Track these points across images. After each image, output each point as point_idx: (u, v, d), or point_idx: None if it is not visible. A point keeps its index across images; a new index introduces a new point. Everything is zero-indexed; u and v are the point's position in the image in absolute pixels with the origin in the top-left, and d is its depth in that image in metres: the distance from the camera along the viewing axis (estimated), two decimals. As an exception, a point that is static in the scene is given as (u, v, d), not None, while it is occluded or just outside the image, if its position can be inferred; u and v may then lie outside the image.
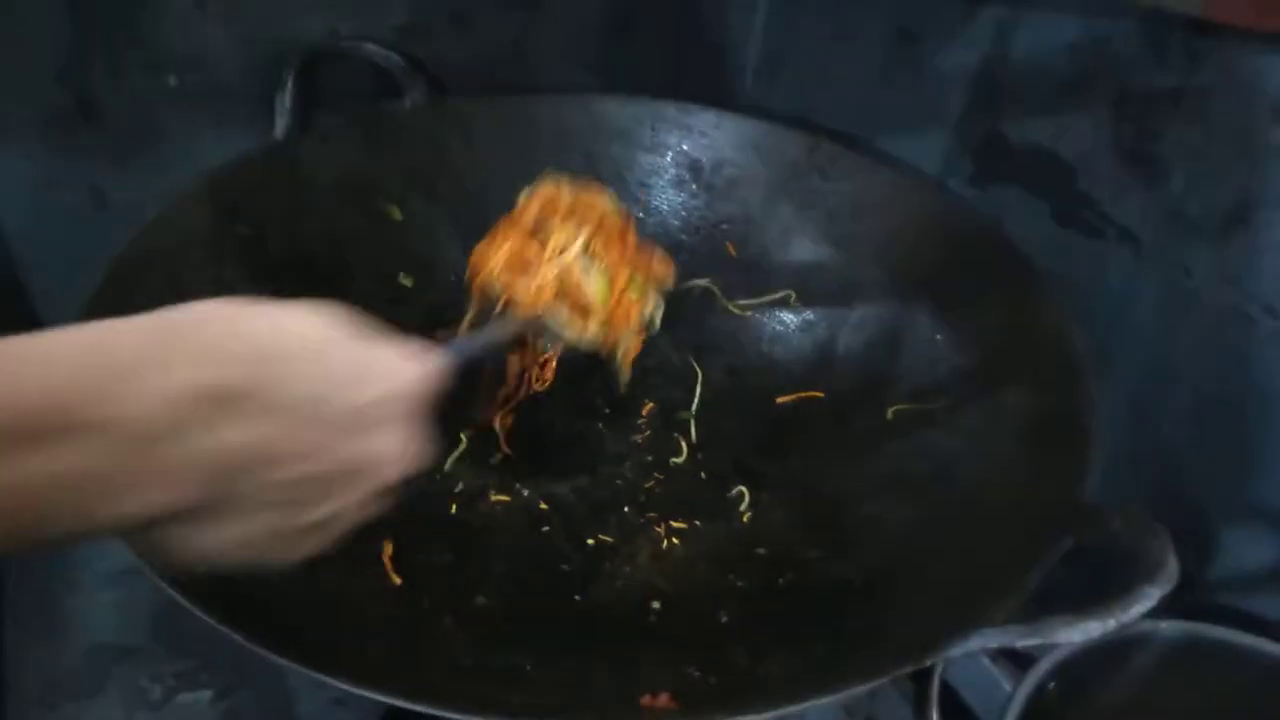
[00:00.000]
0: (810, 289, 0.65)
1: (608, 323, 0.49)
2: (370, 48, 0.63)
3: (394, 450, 0.32)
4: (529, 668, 0.44)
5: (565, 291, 0.48)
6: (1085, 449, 0.45)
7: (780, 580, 0.51)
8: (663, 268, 0.53)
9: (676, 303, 0.68)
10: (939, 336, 0.58)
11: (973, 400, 0.54)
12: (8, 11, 0.54)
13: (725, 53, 0.79)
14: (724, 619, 0.49)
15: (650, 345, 0.67)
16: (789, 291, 0.66)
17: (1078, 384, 0.48)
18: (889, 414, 0.58)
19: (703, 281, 0.68)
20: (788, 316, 0.66)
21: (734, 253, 0.68)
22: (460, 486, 0.57)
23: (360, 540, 0.49)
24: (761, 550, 0.54)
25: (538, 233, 0.49)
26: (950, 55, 0.63)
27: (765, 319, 0.66)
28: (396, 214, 0.63)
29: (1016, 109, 0.60)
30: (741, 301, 0.67)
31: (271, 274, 0.56)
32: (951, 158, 0.65)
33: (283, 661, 0.34)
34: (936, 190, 0.64)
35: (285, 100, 0.60)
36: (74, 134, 0.59)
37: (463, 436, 0.59)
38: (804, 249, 0.66)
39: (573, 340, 0.49)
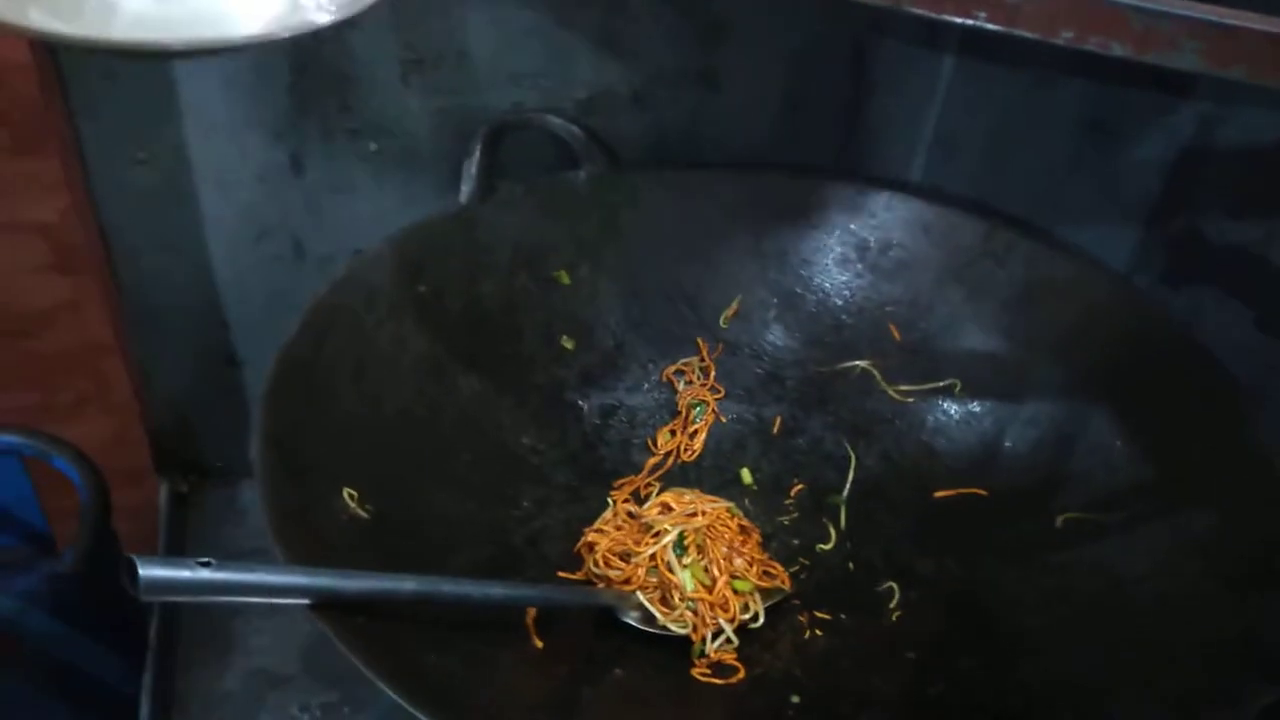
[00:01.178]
0: (977, 380, 0.63)
1: (698, 612, 0.51)
2: (553, 120, 0.66)
3: None
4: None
5: (659, 578, 0.52)
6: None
7: (929, 690, 0.49)
8: (778, 576, 0.56)
9: (834, 383, 0.68)
10: (1118, 444, 0.55)
11: (1155, 519, 0.50)
12: (237, 82, 0.60)
13: (899, 132, 0.78)
14: (866, 725, 0.47)
15: (803, 424, 0.66)
16: (954, 380, 0.63)
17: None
18: (1058, 521, 0.54)
19: (863, 363, 0.66)
20: (951, 407, 0.63)
21: (898, 336, 0.66)
22: (601, 552, 0.57)
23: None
24: (911, 654, 0.51)
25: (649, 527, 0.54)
26: (1145, 147, 0.59)
27: (927, 407, 0.64)
28: (565, 279, 0.65)
29: (1218, 207, 0.56)
30: (903, 387, 0.65)
31: (446, 331, 0.59)
32: (1141, 253, 0.62)
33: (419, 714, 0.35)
34: (1123, 286, 0.60)
35: (472, 167, 0.63)
36: (284, 190, 0.64)
37: (610, 501, 0.60)
38: (973, 338, 0.64)
39: (661, 621, 0.51)
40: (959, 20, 0.44)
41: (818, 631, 0.54)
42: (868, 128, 0.78)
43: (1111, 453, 0.55)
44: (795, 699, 0.49)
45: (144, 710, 0.55)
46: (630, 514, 0.57)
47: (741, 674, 0.50)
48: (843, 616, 0.54)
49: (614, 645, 0.50)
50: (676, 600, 0.51)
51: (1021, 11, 0.42)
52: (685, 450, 0.65)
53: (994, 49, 0.72)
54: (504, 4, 0.63)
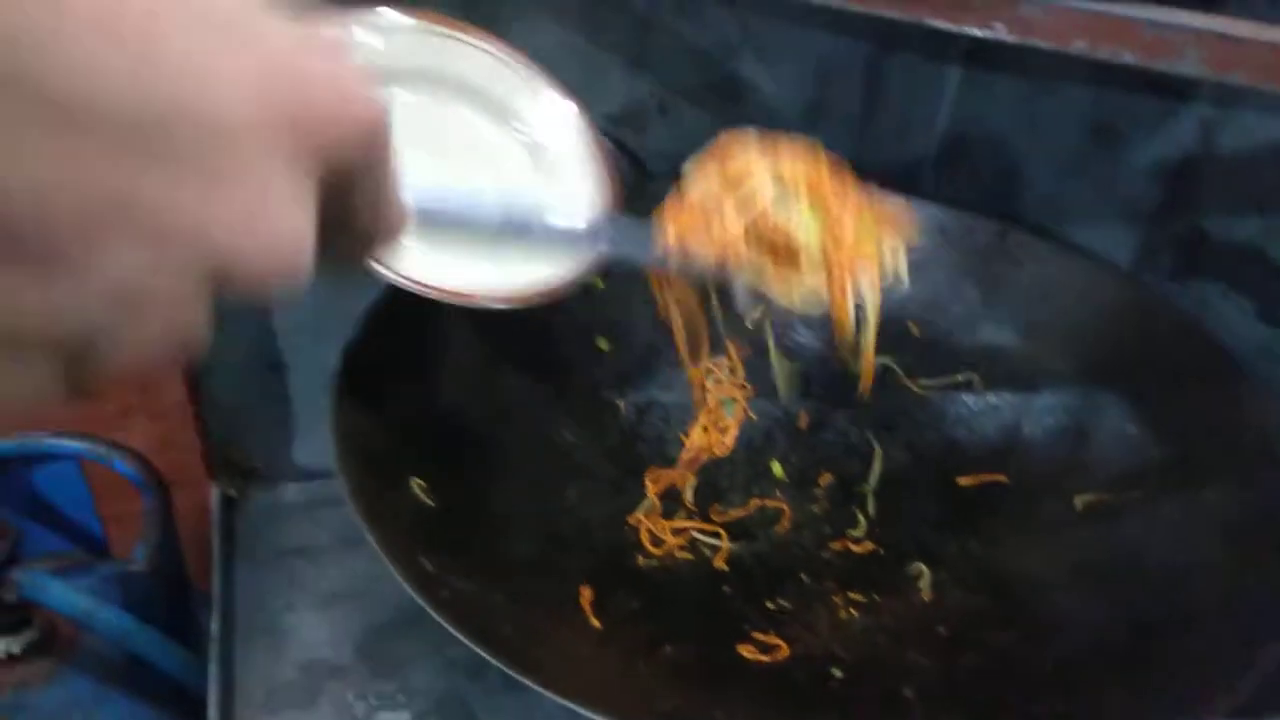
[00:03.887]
0: (995, 373, 0.66)
1: (830, 274, 0.38)
2: (585, 132, 0.70)
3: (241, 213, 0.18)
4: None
5: (763, 240, 0.38)
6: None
7: (963, 661, 0.52)
8: (898, 213, 0.42)
9: (857, 380, 0.71)
10: (1132, 429, 0.58)
11: (1169, 495, 0.53)
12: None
13: (909, 138, 0.82)
14: (908, 693, 0.50)
15: (829, 419, 0.69)
16: (972, 374, 0.67)
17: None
18: (1077, 503, 0.57)
19: (885, 359, 0.70)
20: (970, 399, 0.66)
21: (917, 332, 0.70)
22: (646, 540, 0.60)
23: (563, 584, 0.53)
24: (942, 629, 0.54)
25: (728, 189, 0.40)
26: (1149, 149, 0.63)
27: (947, 400, 0.67)
28: (599, 283, 0.68)
29: (1220, 206, 0.60)
30: (923, 381, 0.68)
31: (490, 331, 0.62)
32: (1147, 252, 0.65)
33: (521, 676, 0.37)
34: (1131, 282, 0.64)
35: (509, 178, 0.67)
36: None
37: (649, 494, 0.63)
38: (989, 333, 0.67)
39: (784, 299, 0.39)
40: (978, 32, 0.47)
41: (853, 611, 0.56)
42: (880, 135, 0.81)
43: (1125, 438, 0.58)
44: (837, 673, 0.52)
45: (211, 699, 0.58)
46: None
47: (785, 651, 0.53)
48: (876, 597, 0.57)
49: (664, 624, 0.53)
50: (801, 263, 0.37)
51: (1037, 23, 0.46)
52: (717, 445, 0.68)
53: (999, 58, 0.75)
54: (538, 21, 0.67)
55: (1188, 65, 0.43)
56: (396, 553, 0.39)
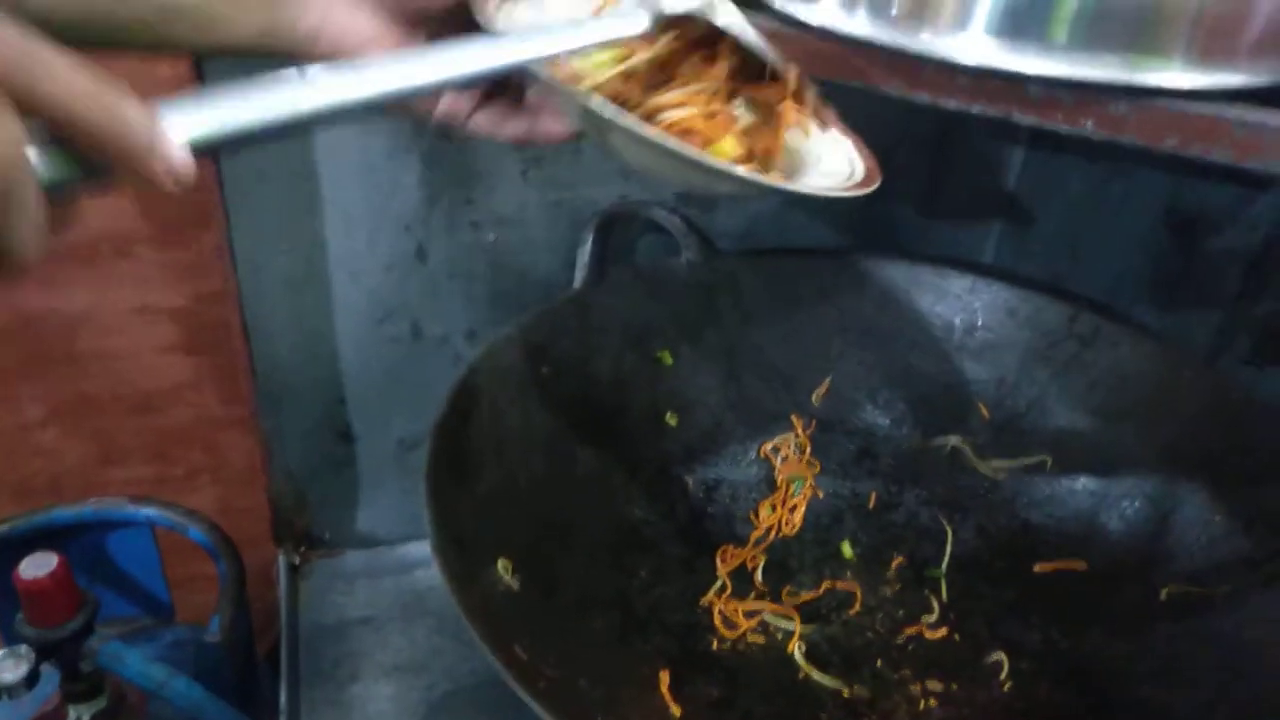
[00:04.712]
0: (1069, 457, 0.65)
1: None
2: (655, 210, 0.71)
3: None
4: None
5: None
6: None
7: (1051, 758, 0.51)
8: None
9: (926, 459, 0.70)
10: (1217, 518, 0.57)
11: (1261, 590, 0.52)
12: (373, 179, 0.65)
13: (974, 216, 0.83)
14: (996, 791, 0.49)
15: (898, 499, 0.69)
16: (1045, 457, 0.66)
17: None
18: (1162, 594, 0.56)
19: (954, 439, 0.69)
20: (1044, 482, 0.66)
21: (986, 414, 0.69)
22: (719, 622, 0.60)
23: (641, 667, 0.53)
24: (1026, 723, 0.53)
25: None
26: (1226, 235, 0.63)
27: (1019, 483, 0.67)
28: (668, 359, 0.69)
29: (1301, 293, 0.60)
30: (994, 463, 0.68)
31: (565, 408, 0.62)
32: (1224, 336, 0.65)
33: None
34: (1206, 367, 0.63)
35: (584, 255, 0.68)
36: (408, 277, 0.69)
37: (721, 574, 0.62)
38: (1061, 416, 0.67)
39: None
40: (1067, 129, 0.48)
41: (932, 702, 0.55)
42: (944, 213, 0.82)
43: (1210, 527, 0.57)
44: (919, 766, 0.51)
45: (280, 772, 0.58)
46: None
47: (866, 742, 0.52)
48: (954, 687, 0.56)
49: (743, 712, 0.53)
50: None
51: (1129, 121, 0.46)
52: (785, 524, 0.68)
53: (1064, 142, 0.76)
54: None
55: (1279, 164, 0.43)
56: (496, 645, 0.39)
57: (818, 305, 0.73)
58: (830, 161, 0.46)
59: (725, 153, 0.40)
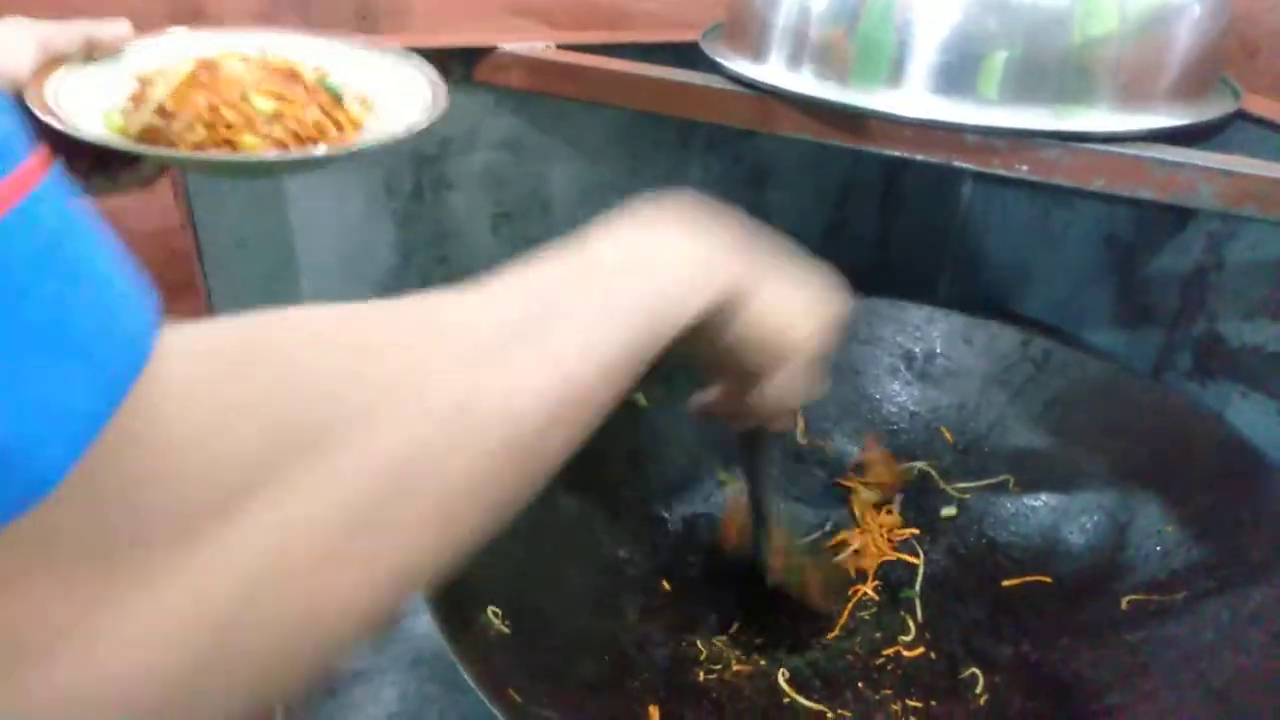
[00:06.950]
0: (1029, 475, 0.68)
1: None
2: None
3: None
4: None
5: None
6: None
7: (1028, 767, 0.53)
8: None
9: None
10: (1169, 528, 0.60)
11: (1215, 594, 0.55)
12: (348, 240, 0.67)
13: (927, 250, 0.86)
14: (977, 803, 0.51)
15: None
16: (1008, 476, 0.69)
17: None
18: (1123, 604, 0.59)
19: (920, 464, 0.72)
20: (1007, 501, 0.69)
21: (950, 438, 0.72)
22: (704, 655, 0.61)
23: (631, 705, 0.54)
24: (1003, 735, 0.56)
25: None
26: (1161, 260, 0.67)
27: (984, 503, 0.69)
28: (643, 402, 0.72)
29: (1233, 313, 0.63)
30: (959, 485, 0.71)
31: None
32: (1165, 354, 0.69)
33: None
34: (1154, 384, 0.67)
35: (557, 305, 0.71)
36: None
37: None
38: (1021, 436, 0.70)
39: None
40: (1003, 172, 0.51)
41: (913, 719, 0.58)
42: (897, 249, 0.86)
43: (1164, 537, 0.60)
44: (903, 783, 0.53)
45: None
46: None
47: (851, 763, 0.54)
48: (933, 703, 0.59)
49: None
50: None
51: (1060, 165, 0.50)
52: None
53: (1006, 178, 0.80)
54: (581, 161, 0.71)
55: (1202, 200, 0.47)
56: (491, 691, 0.41)
57: (783, 341, 0.76)
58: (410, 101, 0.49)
59: (251, 146, 0.45)
